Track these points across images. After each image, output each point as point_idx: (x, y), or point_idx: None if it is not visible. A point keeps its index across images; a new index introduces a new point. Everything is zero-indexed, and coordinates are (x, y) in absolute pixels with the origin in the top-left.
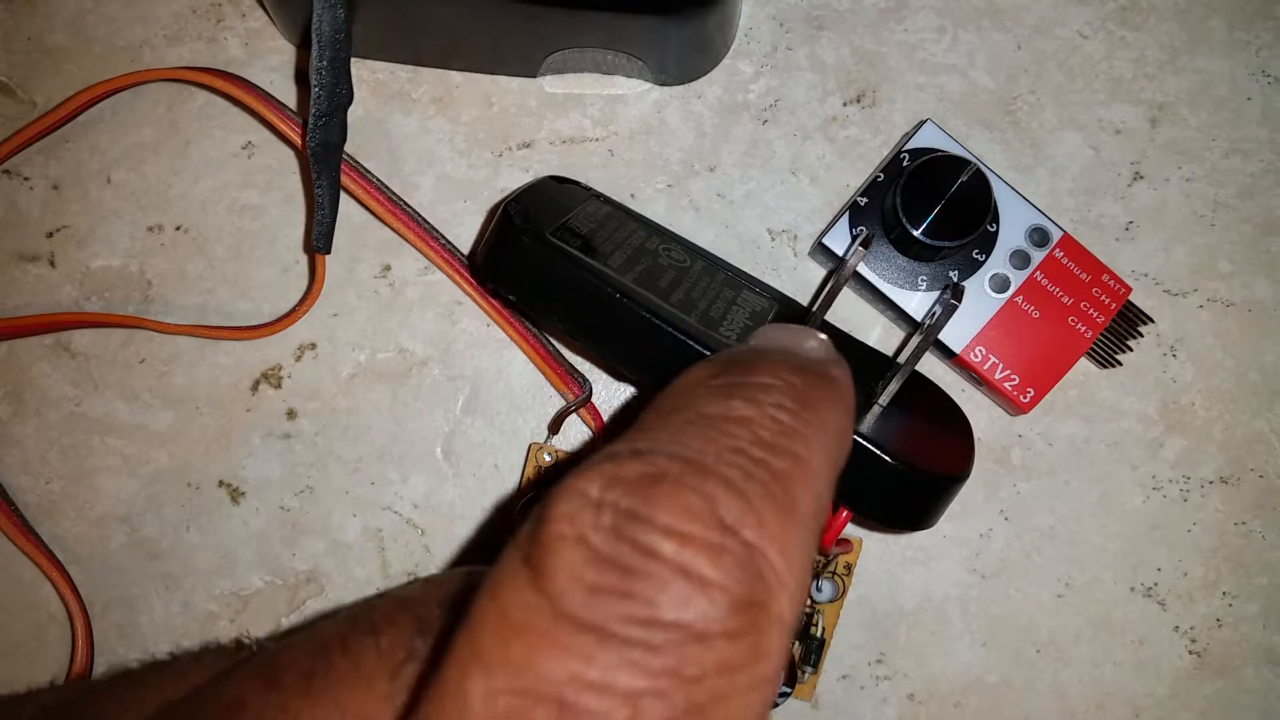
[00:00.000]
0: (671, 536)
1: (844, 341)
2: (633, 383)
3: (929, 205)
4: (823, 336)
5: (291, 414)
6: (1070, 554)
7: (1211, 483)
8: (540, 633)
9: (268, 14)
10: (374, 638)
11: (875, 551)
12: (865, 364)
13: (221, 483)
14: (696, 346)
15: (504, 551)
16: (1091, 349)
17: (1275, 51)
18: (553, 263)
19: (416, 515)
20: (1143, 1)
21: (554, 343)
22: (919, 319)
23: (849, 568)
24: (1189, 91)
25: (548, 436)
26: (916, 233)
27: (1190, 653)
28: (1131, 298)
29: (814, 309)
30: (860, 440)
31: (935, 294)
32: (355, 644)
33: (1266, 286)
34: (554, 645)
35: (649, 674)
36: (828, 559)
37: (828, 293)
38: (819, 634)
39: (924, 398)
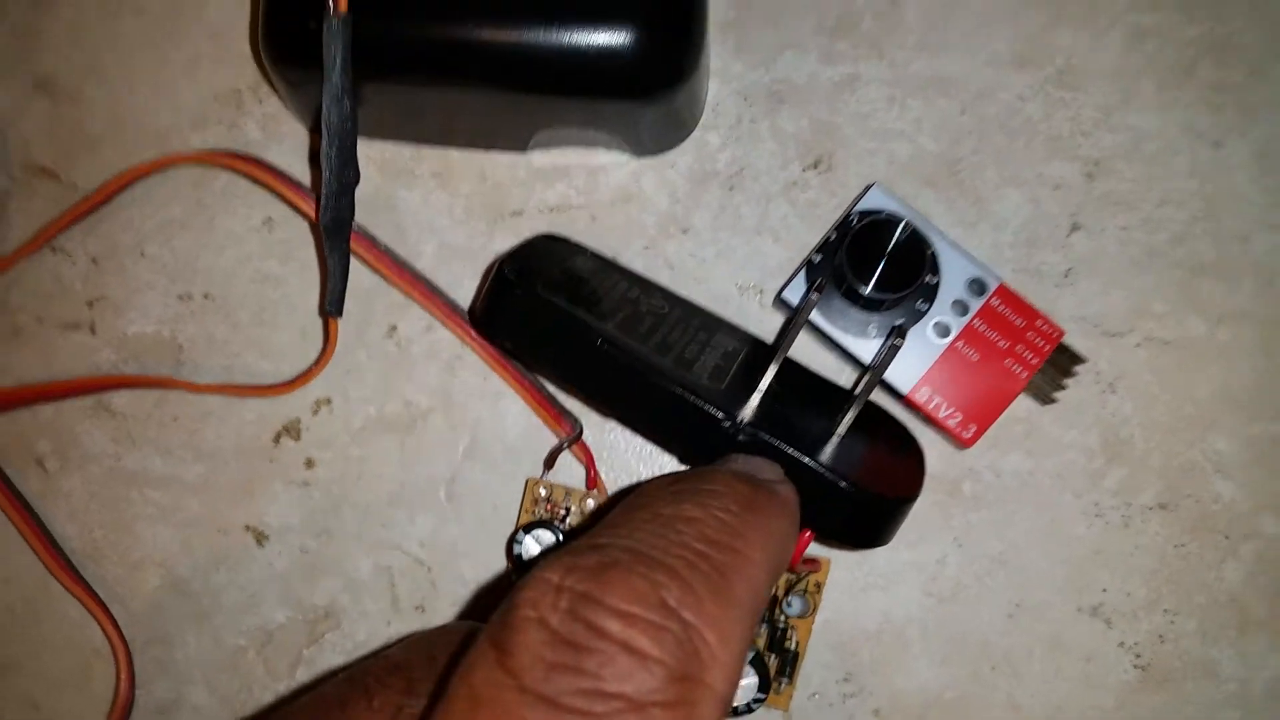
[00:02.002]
0: (619, 617)
1: (808, 380)
2: (618, 420)
3: (872, 262)
4: (776, 465)
5: (310, 463)
6: (1020, 578)
7: (1151, 508)
8: (503, 706)
9: (282, 100)
10: (367, 699)
11: (840, 579)
12: (827, 399)
13: (247, 527)
14: (670, 387)
15: (480, 633)
16: (1028, 388)
17: (1200, 109)
18: (542, 313)
19: (423, 553)
20: (1078, 65)
21: (547, 386)
22: (870, 362)
23: (819, 586)
24: (1123, 148)
25: (543, 472)
26: (862, 287)
27: (1135, 667)
28: (1070, 339)
29: (777, 349)
30: (818, 467)
31: (883, 339)
32: (351, 705)
33: (1199, 324)
34: (514, 717)
35: None
36: (797, 577)
37: (787, 336)
38: (793, 648)
39: (880, 428)
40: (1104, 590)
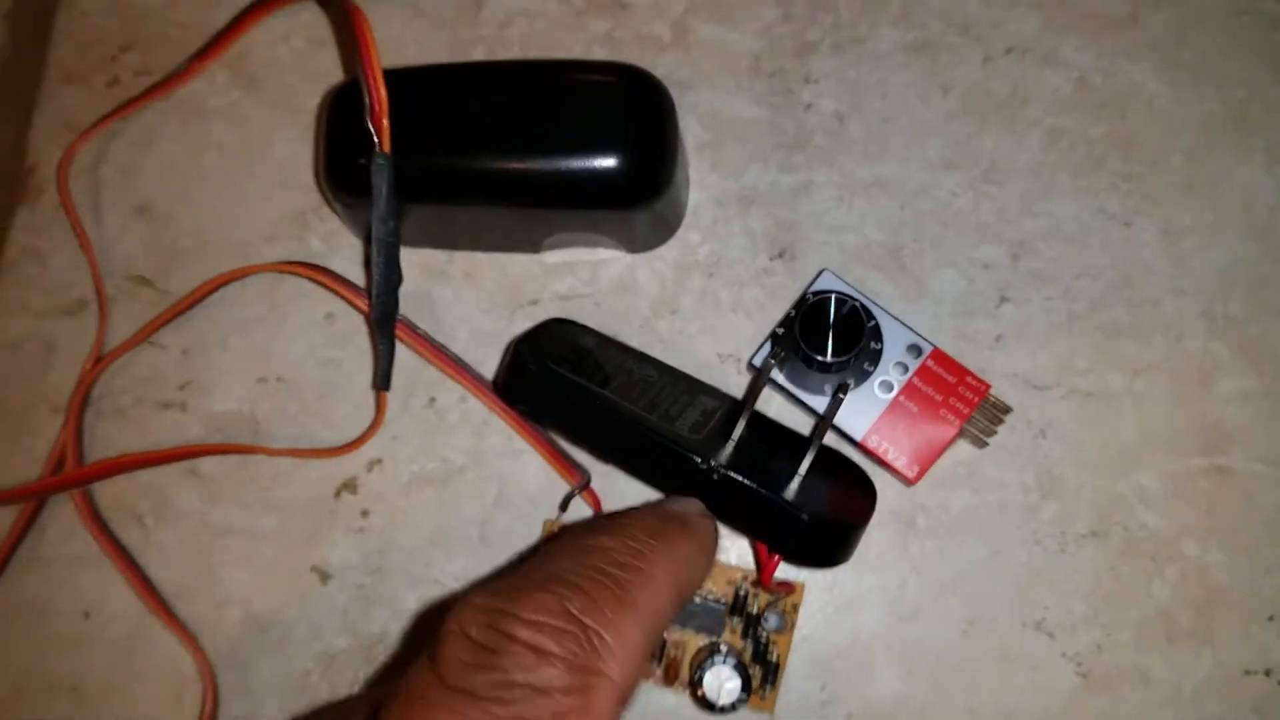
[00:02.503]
0: (527, 625)
1: (775, 430)
2: (617, 466)
3: (821, 333)
4: (698, 502)
5: (365, 513)
6: (971, 598)
7: (1084, 536)
8: (430, 698)
9: (340, 220)
10: None
11: (815, 601)
12: (791, 446)
13: (313, 568)
14: (656, 438)
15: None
16: (963, 433)
17: (1109, 195)
18: (552, 382)
19: (459, 586)
20: (1001, 164)
21: (560, 444)
22: (823, 413)
23: (795, 607)
24: (1043, 230)
25: (558, 514)
26: (813, 354)
27: (1078, 675)
28: (1001, 394)
29: (745, 404)
30: (781, 501)
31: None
32: None
33: (1117, 379)
34: (439, 706)
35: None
36: (774, 597)
37: (751, 395)
38: (774, 659)
39: (837, 468)
40: (1046, 608)
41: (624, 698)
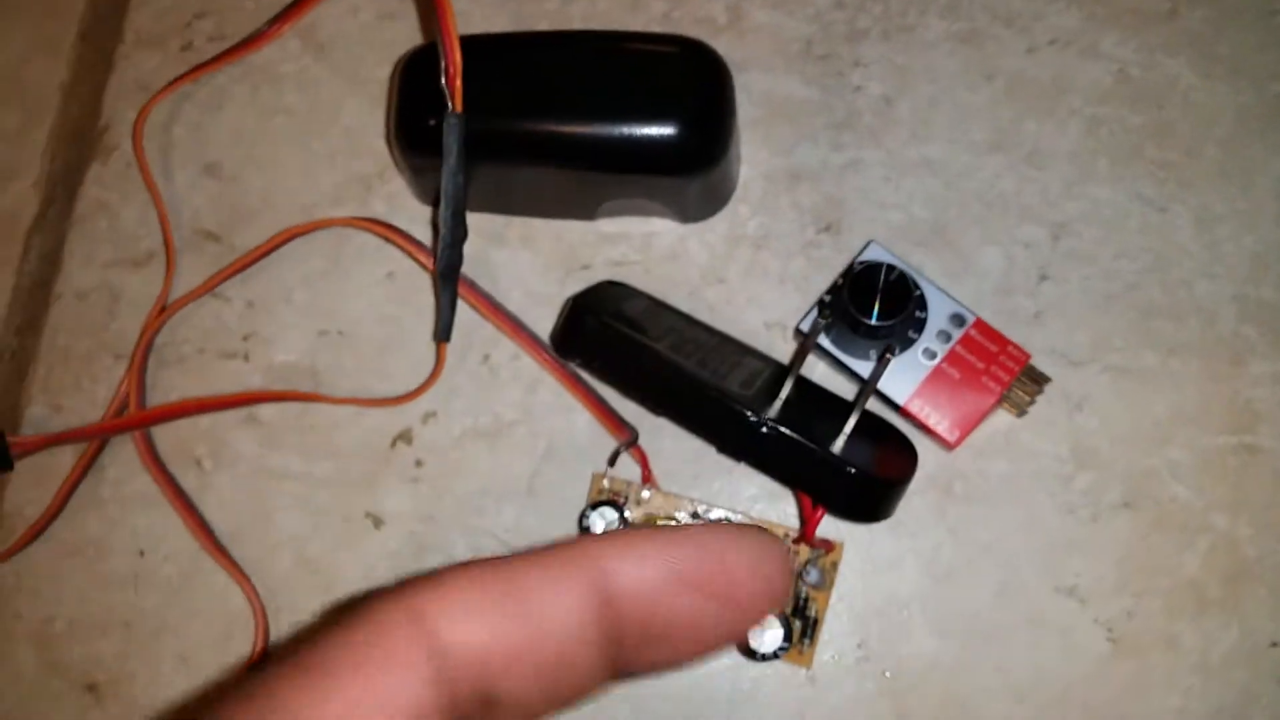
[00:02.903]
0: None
1: (821, 393)
2: (668, 418)
3: (869, 297)
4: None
5: (419, 463)
6: (1005, 563)
7: (1116, 506)
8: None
9: (406, 182)
10: None
11: (853, 562)
12: (836, 409)
13: (367, 514)
14: (708, 390)
15: None
16: (1003, 400)
17: (1146, 182)
18: (607, 336)
19: (508, 536)
20: (1043, 148)
21: (609, 401)
22: (868, 376)
23: (834, 565)
24: (1083, 213)
25: (606, 469)
26: (861, 318)
27: (1108, 640)
28: (1035, 364)
29: (794, 365)
30: (829, 456)
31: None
32: None
33: (1151, 357)
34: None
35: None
36: (814, 554)
37: (799, 357)
38: (813, 614)
39: (880, 430)
40: (1078, 574)
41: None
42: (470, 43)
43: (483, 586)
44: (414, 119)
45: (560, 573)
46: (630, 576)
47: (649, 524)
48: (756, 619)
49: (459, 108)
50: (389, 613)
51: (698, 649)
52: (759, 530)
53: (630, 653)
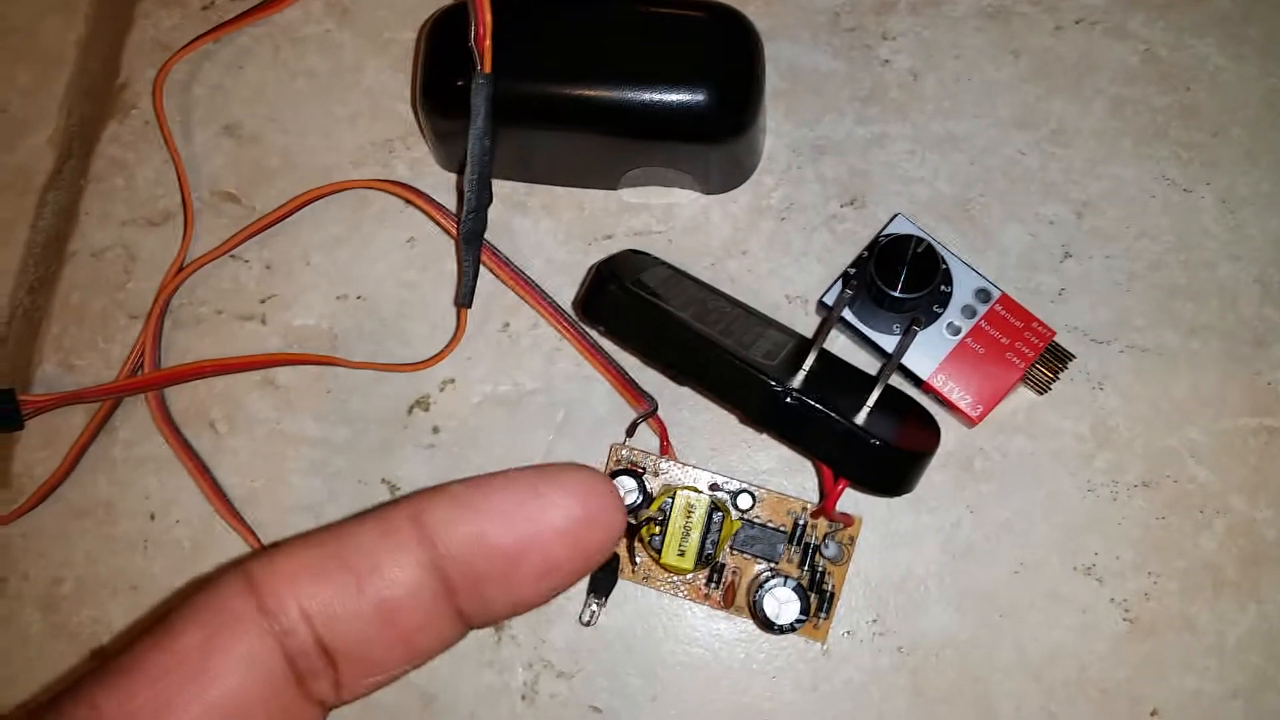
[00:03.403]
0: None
1: (844, 367)
2: (691, 386)
3: (896, 269)
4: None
5: (436, 430)
6: (1023, 540)
7: (1135, 486)
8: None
9: (429, 147)
10: None
11: (870, 536)
12: (859, 383)
13: (383, 480)
14: (732, 359)
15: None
16: (1026, 377)
17: (1171, 162)
18: (631, 302)
19: None
20: (1069, 126)
21: (629, 371)
22: (893, 350)
23: (852, 540)
24: (1106, 192)
25: (624, 439)
26: (887, 289)
27: (1124, 620)
28: (1059, 341)
29: (817, 337)
30: (852, 426)
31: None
32: None
33: (1173, 336)
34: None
35: None
36: (832, 528)
37: (823, 329)
38: (829, 589)
39: (902, 404)
40: (1096, 554)
41: None
42: (500, 3)
43: (311, 549)
44: (441, 80)
45: (384, 529)
46: (451, 525)
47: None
48: (593, 552)
49: (488, 69)
50: (226, 578)
51: (537, 588)
52: (578, 466)
53: (470, 599)
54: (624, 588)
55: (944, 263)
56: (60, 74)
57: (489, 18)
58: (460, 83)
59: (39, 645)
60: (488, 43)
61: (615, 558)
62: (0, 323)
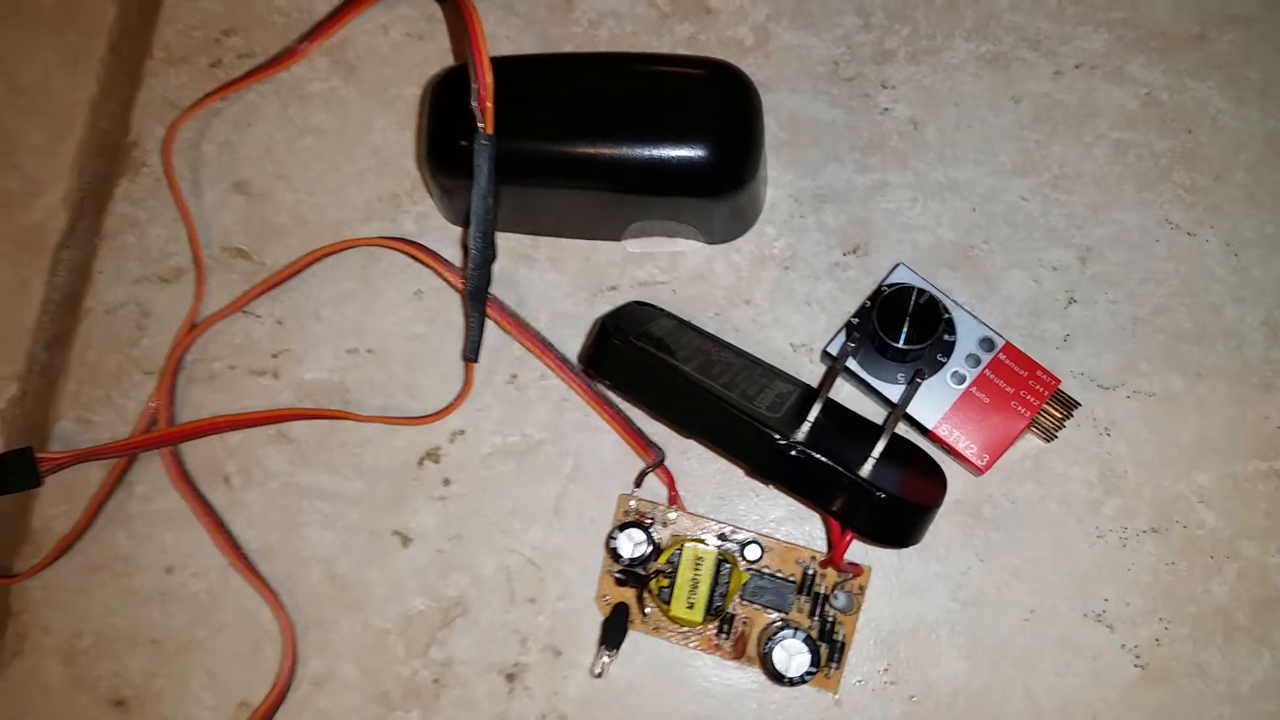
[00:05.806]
0: None
1: (849, 416)
2: (696, 439)
3: (899, 320)
4: None
5: (446, 481)
6: (1033, 587)
7: (1144, 532)
8: None
9: (435, 202)
10: None
11: (880, 586)
12: (865, 432)
13: (395, 532)
14: (737, 413)
15: None
16: (1032, 425)
17: (1174, 206)
18: (636, 357)
19: (535, 556)
20: (1070, 172)
21: (636, 422)
22: (897, 400)
23: (861, 589)
24: (1110, 237)
25: (633, 489)
26: (891, 340)
27: (1136, 666)
28: (1065, 389)
29: (822, 388)
30: (859, 479)
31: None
32: None
33: (1179, 381)
34: None
35: None
36: (841, 578)
37: (827, 380)
38: (840, 638)
39: (909, 455)
40: (1106, 600)
41: None
42: (500, 64)
43: None
44: (444, 140)
45: None
46: None
47: (675, 543)
48: None
49: (490, 129)
50: None
51: None
52: None
53: None
54: (635, 638)
55: (947, 312)
56: (72, 133)
57: (490, 79)
58: (464, 142)
59: (60, 697)
60: (489, 104)
61: (625, 609)
62: (17, 380)
